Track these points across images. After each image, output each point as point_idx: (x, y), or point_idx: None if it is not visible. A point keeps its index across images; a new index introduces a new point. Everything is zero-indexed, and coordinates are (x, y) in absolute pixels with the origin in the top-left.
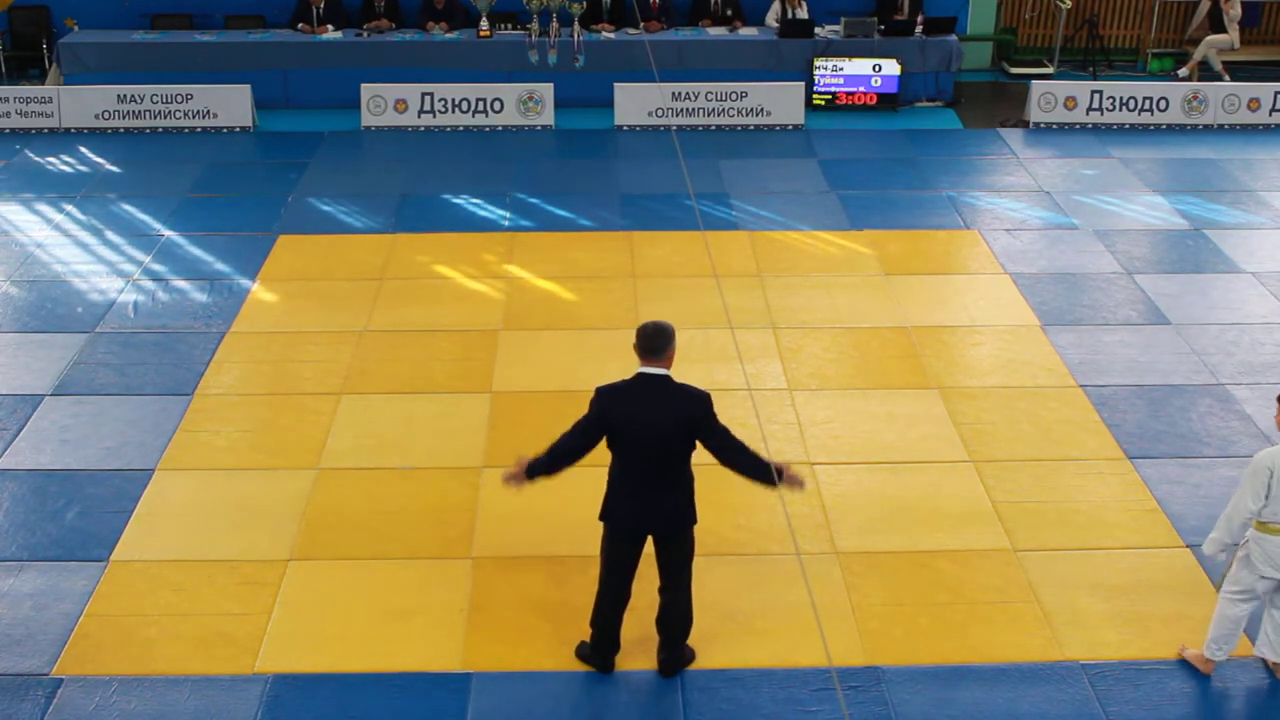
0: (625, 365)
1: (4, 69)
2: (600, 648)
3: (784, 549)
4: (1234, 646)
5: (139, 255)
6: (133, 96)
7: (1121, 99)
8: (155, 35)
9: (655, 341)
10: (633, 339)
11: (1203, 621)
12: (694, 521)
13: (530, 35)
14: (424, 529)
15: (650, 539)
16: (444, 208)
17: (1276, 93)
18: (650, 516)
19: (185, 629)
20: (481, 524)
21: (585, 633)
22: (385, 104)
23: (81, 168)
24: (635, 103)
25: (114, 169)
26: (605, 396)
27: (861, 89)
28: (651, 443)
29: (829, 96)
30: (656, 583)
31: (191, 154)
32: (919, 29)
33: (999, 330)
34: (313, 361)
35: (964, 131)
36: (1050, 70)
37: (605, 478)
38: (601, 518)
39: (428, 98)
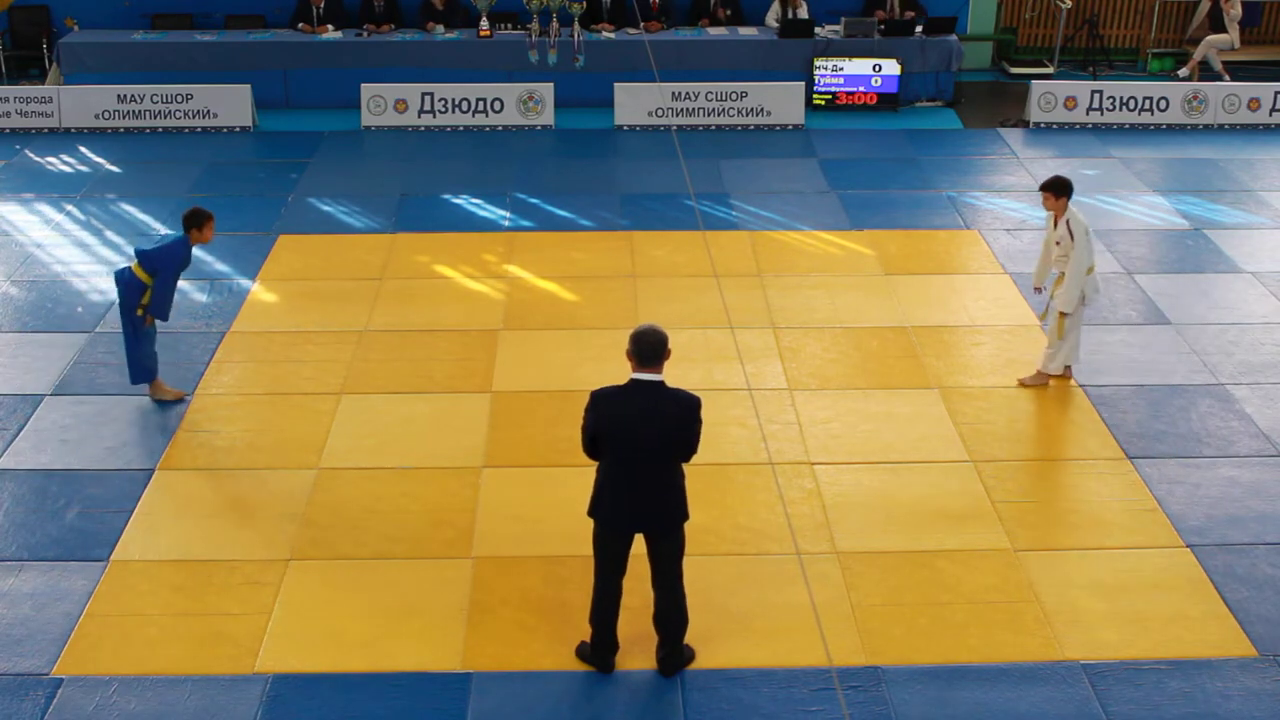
0: (625, 365)
1: (4, 69)
2: (599, 647)
3: (784, 549)
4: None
5: None
6: (133, 96)
7: (1121, 99)
8: (155, 35)
9: (654, 350)
10: (629, 343)
11: (1203, 621)
12: (684, 518)
13: (530, 35)
14: (424, 529)
15: (641, 536)
16: (444, 208)
17: (1276, 93)
18: (640, 516)
19: (185, 629)
20: (481, 524)
21: (585, 632)
22: (385, 104)
23: (81, 168)
24: (635, 103)
25: (114, 169)
26: (600, 401)
27: (861, 89)
28: (643, 449)
29: (829, 96)
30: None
31: (191, 154)
32: (919, 29)
33: (999, 330)
34: (313, 361)
35: (964, 131)
36: (1050, 70)
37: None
38: (590, 514)
39: (428, 98)
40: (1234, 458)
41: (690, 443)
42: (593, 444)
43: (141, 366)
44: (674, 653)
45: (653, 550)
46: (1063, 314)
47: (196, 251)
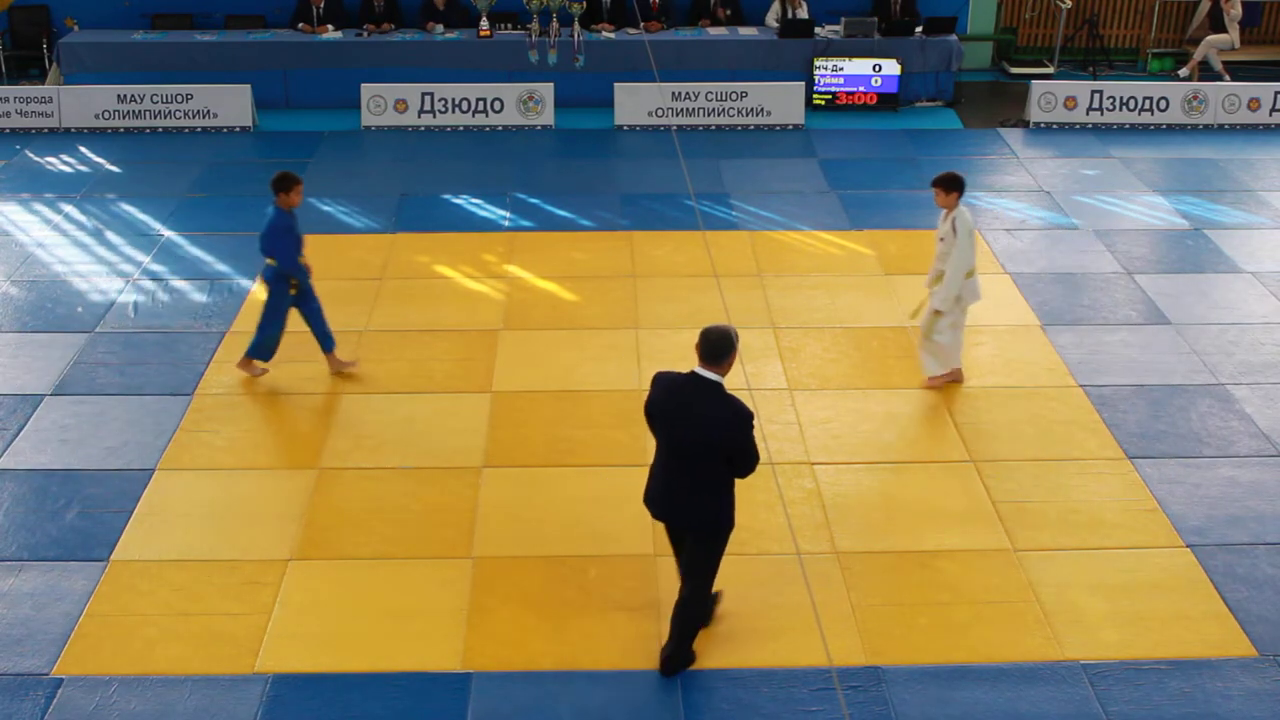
0: (625, 365)
1: (4, 69)
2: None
3: (784, 549)
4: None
5: (139, 255)
6: (133, 96)
7: (1121, 99)
8: (155, 35)
9: (716, 348)
10: (634, 339)
11: (1203, 621)
12: (719, 527)
13: (530, 35)
14: (424, 529)
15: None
16: (444, 208)
17: (1276, 93)
18: (670, 509)
19: (185, 629)
20: (481, 524)
21: (584, 631)
22: (385, 104)
23: (81, 168)
24: (635, 103)
25: (114, 169)
26: (656, 382)
27: (861, 89)
28: (683, 442)
29: (829, 96)
30: (675, 578)
31: (191, 154)
32: (919, 29)
33: (999, 330)
34: (313, 361)
35: (964, 131)
36: (1050, 70)
37: (601, 479)
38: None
39: (428, 98)
40: (1234, 458)
41: (734, 457)
42: (649, 421)
43: (265, 344)
44: (678, 653)
45: (685, 547)
46: (937, 312)
47: (197, 251)
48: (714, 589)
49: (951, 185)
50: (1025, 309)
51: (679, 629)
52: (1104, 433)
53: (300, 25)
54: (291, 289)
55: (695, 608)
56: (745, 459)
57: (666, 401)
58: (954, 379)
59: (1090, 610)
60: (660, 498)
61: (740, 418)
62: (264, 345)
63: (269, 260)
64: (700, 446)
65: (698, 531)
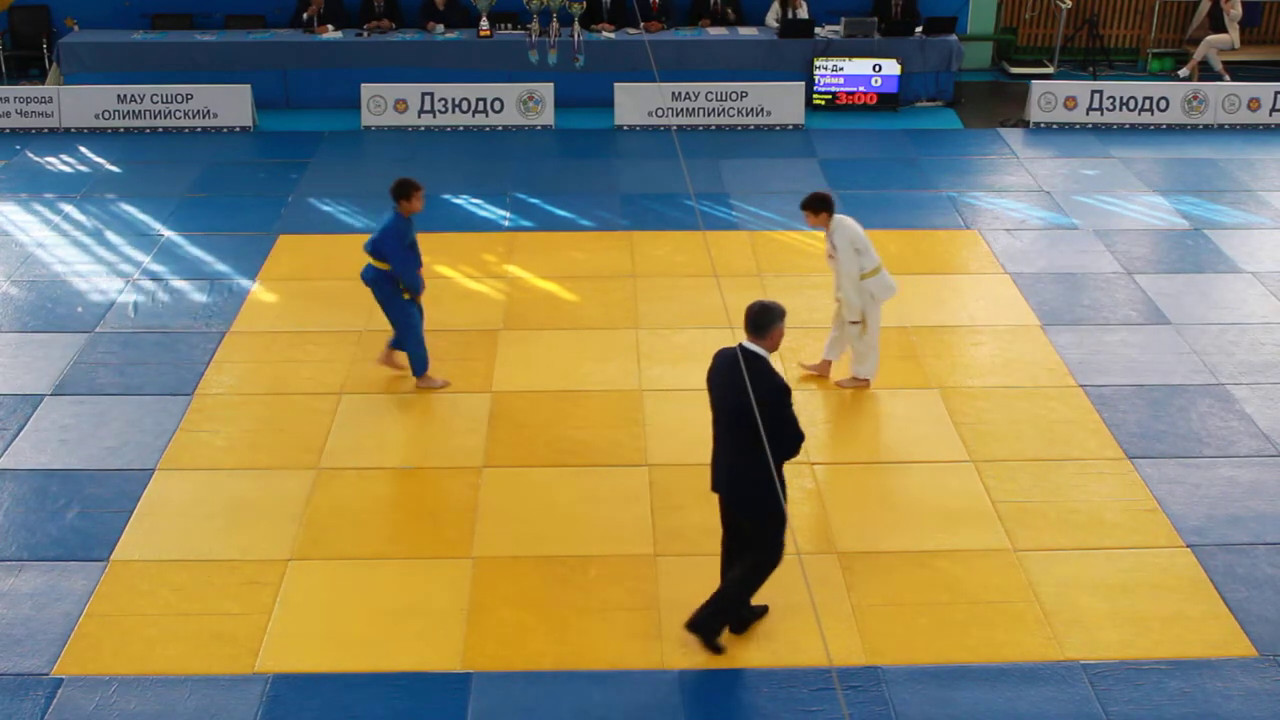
0: (625, 365)
1: (4, 69)
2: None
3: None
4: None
5: (139, 255)
6: (133, 96)
7: (1121, 99)
8: (155, 35)
9: (757, 319)
10: (634, 339)
11: (1203, 621)
12: (755, 510)
13: (530, 35)
14: (424, 529)
15: None
16: (444, 208)
17: (1276, 93)
18: (717, 476)
19: (185, 629)
20: (481, 524)
21: (584, 631)
22: (385, 104)
23: (81, 168)
24: (635, 103)
25: (114, 169)
26: (715, 357)
27: (861, 89)
28: (722, 409)
29: (829, 96)
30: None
31: (191, 154)
32: (919, 29)
33: (999, 330)
34: (313, 361)
35: (964, 131)
36: (1050, 70)
37: (601, 479)
38: None
39: (428, 98)
40: (1234, 458)
41: (765, 429)
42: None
43: (422, 356)
44: (704, 616)
45: (731, 520)
46: (851, 321)
47: (197, 251)
48: (761, 603)
49: (818, 206)
50: (1025, 309)
51: (719, 590)
52: (1104, 433)
53: (305, 16)
54: (404, 294)
55: (729, 588)
56: (778, 435)
57: (716, 372)
58: (822, 372)
59: (1090, 610)
60: (714, 465)
61: (774, 389)
62: (422, 357)
63: (375, 262)
64: (734, 414)
65: (738, 506)
